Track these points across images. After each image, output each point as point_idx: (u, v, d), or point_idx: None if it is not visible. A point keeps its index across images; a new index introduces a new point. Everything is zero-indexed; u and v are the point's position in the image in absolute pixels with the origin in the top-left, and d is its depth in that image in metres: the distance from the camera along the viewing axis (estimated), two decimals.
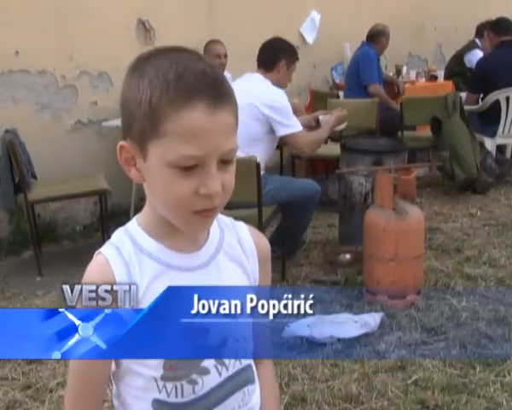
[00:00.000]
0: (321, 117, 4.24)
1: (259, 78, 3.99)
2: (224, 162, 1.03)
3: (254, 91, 3.88)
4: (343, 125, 4.26)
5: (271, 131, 3.93)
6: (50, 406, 2.67)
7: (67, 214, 5.10)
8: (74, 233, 5.09)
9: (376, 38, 6.31)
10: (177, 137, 0.99)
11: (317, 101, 4.90)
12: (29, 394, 2.77)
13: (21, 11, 4.74)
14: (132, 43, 5.35)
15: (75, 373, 1.12)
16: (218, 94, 1.01)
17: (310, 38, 6.62)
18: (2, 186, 4.36)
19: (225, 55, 5.37)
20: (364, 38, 6.38)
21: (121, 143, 1.06)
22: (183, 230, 1.08)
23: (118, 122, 4.99)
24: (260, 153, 3.90)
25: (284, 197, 3.89)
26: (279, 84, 3.98)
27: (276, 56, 4.01)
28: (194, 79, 1.00)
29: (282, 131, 3.89)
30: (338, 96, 6.36)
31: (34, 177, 4.57)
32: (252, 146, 3.83)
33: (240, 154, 3.59)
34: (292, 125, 3.89)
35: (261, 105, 3.84)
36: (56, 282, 4.08)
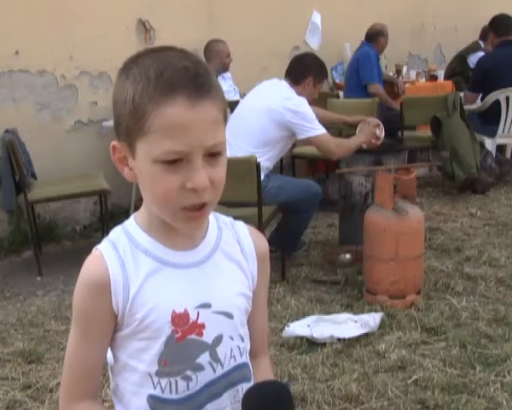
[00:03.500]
0: (357, 130, 4.23)
1: (285, 85, 4.06)
2: (211, 156, 1.03)
3: (277, 97, 3.96)
4: (378, 142, 4.14)
5: (289, 135, 3.98)
6: (50, 406, 2.66)
7: (67, 214, 5.10)
8: (74, 233, 5.09)
9: (375, 37, 6.32)
10: (160, 133, 1.00)
11: (317, 101, 4.88)
12: (29, 394, 2.76)
13: (21, 11, 4.74)
14: (132, 44, 5.35)
15: (69, 359, 1.13)
16: (199, 88, 1.01)
17: (314, 44, 6.61)
18: (2, 186, 4.36)
19: (228, 55, 5.37)
20: (364, 38, 6.39)
21: (113, 143, 1.08)
22: (175, 227, 1.08)
23: None
24: (272, 155, 3.98)
25: (285, 197, 3.89)
26: (304, 97, 4.03)
27: (303, 73, 4.08)
28: (175, 74, 1.00)
29: (304, 134, 3.95)
30: (338, 96, 6.36)
31: (34, 177, 4.57)
32: (266, 147, 3.87)
33: (253, 154, 3.64)
34: (315, 128, 3.94)
35: (283, 110, 3.89)
36: (56, 282, 4.09)
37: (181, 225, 1.07)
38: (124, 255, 1.09)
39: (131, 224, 1.13)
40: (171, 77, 1.00)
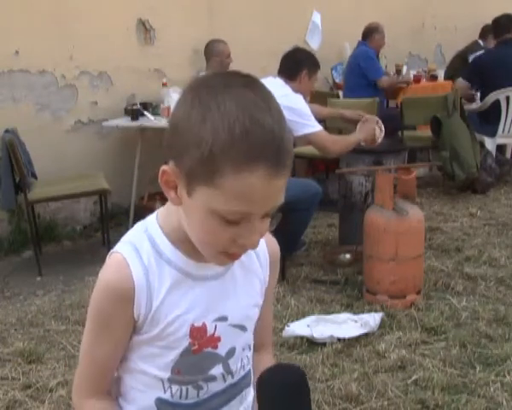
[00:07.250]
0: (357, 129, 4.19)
1: (280, 83, 4.04)
2: (267, 214, 1.02)
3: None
4: (379, 140, 4.09)
5: None
6: (50, 406, 2.66)
7: (67, 214, 5.10)
8: (74, 233, 5.09)
9: (370, 35, 6.35)
10: (229, 194, 0.95)
11: (317, 101, 4.89)
12: (29, 394, 2.76)
13: (22, 11, 4.74)
14: (132, 44, 5.35)
15: (84, 356, 1.13)
16: (280, 161, 0.96)
17: (314, 44, 6.61)
18: (2, 186, 4.36)
19: (229, 55, 5.37)
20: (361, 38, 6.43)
21: (165, 167, 1.01)
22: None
23: (118, 122, 4.99)
24: None
25: (285, 196, 3.88)
26: (300, 93, 4.02)
27: (297, 67, 4.07)
28: (261, 139, 0.94)
29: (300, 131, 3.92)
30: (338, 96, 6.37)
31: (34, 177, 4.57)
32: None
33: None
34: (311, 125, 3.93)
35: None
36: (56, 282, 4.09)
37: (213, 262, 1.06)
38: (148, 264, 1.06)
39: (154, 227, 1.09)
40: (256, 143, 0.93)
